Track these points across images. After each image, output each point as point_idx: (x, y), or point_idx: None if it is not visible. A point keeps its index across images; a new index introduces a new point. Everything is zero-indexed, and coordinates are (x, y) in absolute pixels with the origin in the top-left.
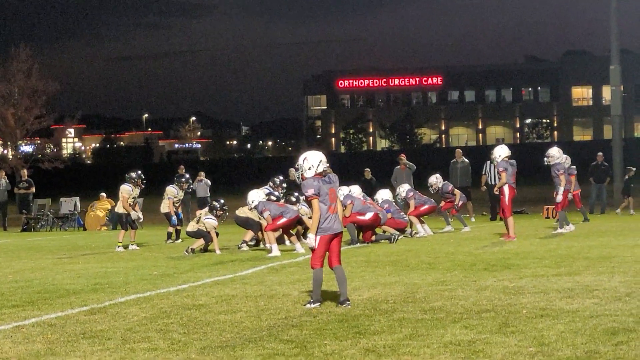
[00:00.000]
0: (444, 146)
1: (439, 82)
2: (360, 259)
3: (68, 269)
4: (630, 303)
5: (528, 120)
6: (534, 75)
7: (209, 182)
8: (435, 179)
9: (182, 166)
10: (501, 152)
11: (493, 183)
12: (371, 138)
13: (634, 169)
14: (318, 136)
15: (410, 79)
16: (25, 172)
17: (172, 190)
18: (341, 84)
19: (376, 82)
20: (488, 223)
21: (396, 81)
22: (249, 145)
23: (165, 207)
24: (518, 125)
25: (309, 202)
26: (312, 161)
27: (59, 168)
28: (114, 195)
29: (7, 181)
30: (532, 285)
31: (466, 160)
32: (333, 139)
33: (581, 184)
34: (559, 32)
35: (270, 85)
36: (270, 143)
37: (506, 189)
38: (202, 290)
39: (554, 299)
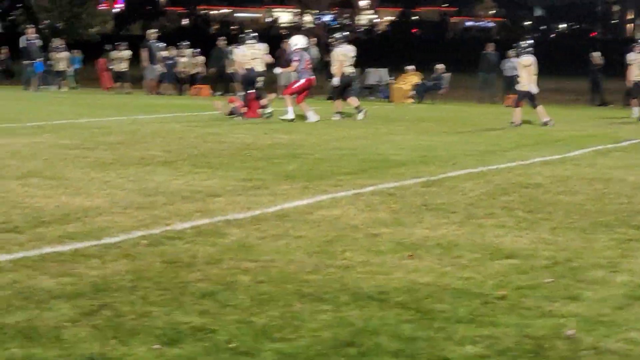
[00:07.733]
0: None
1: None
2: None
3: (388, 140)
4: None
5: None
6: None
7: None
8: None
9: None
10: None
11: None
12: None
13: None
14: (613, 21)
15: None
16: None
17: None
18: None
19: None
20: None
21: None
22: (544, 27)
23: None
24: None
25: None
26: None
27: (362, 39)
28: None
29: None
30: None
31: None
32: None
33: None
34: None
35: None
36: (563, 26)
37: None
38: (533, 169)
39: None
